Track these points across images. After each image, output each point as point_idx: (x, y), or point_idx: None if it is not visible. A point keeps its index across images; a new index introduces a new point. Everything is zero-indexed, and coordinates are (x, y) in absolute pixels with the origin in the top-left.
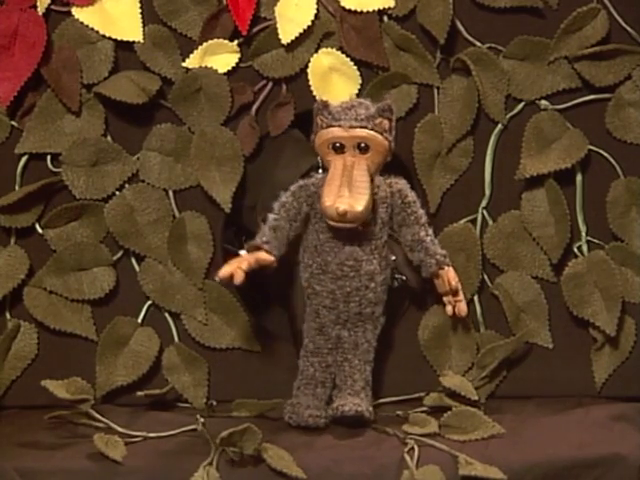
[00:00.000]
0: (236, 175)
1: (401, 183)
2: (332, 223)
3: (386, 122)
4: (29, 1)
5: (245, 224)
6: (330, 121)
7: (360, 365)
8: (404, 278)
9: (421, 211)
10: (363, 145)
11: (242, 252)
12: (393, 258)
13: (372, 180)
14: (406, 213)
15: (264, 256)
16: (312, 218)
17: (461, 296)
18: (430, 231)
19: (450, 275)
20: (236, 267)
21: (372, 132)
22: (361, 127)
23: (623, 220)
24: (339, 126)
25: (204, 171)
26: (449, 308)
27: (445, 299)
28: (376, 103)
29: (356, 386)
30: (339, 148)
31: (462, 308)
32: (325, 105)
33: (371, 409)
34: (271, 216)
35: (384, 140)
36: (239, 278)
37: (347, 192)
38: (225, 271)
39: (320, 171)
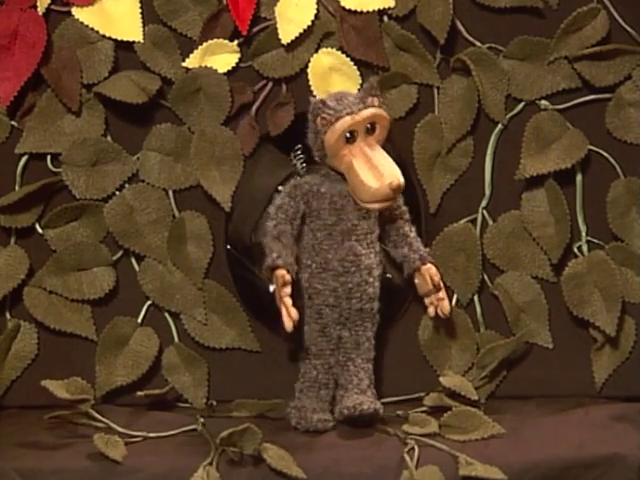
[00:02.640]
0: (236, 175)
1: None
2: (370, 206)
3: (376, 99)
4: (29, 1)
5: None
6: (336, 114)
7: (363, 364)
8: (389, 276)
9: (405, 207)
10: (370, 125)
11: (271, 287)
12: None
13: None
14: (392, 208)
15: (286, 278)
16: (307, 217)
17: (444, 294)
18: (413, 228)
19: (432, 271)
20: (287, 316)
21: (377, 108)
22: (366, 107)
23: (623, 220)
24: (349, 114)
25: (204, 171)
26: (431, 309)
27: (427, 300)
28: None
29: (362, 385)
30: (350, 138)
31: (445, 306)
32: (324, 103)
33: (382, 407)
34: (270, 223)
35: (385, 113)
36: (292, 323)
37: (383, 170)
38: (288, 324)
39: (297, 178)
